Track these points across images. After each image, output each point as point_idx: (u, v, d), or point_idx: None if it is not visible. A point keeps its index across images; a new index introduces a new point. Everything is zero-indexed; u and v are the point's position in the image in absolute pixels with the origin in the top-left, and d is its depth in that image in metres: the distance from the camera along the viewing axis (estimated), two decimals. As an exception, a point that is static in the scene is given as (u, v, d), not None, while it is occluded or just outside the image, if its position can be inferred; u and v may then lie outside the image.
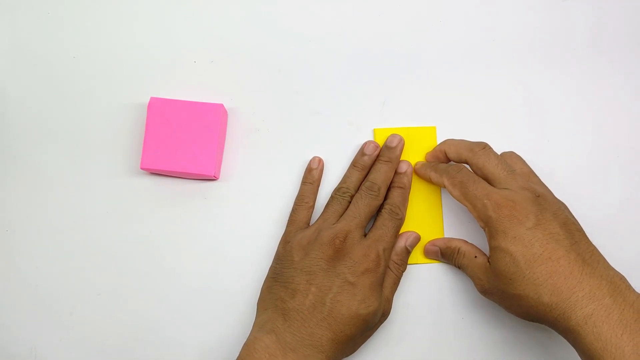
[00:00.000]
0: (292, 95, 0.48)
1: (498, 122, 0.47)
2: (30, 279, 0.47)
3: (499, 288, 0.39)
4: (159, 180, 0.47)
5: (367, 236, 0.42)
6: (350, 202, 0.44)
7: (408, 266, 0.45)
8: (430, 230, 0.46)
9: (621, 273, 0.37)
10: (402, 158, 0.46)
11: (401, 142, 0.46)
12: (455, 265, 0.44)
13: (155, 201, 0.47)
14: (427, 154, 0.46)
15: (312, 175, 0.46)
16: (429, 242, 0.45)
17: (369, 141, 0.46)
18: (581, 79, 0.48)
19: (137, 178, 0.47)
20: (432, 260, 0.46)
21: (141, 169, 0.45)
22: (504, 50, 0.48)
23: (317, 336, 0.38)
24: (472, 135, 0.46)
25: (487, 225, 0.39)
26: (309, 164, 0.46)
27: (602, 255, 0.38)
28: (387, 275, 0.43)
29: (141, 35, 0.49)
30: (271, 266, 0.44)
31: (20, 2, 0.50)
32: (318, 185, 0.46)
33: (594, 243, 0.38)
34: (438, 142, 0.47)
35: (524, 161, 0.45)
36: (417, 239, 0.45)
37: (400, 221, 0.44)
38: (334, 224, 0.42)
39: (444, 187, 0.43)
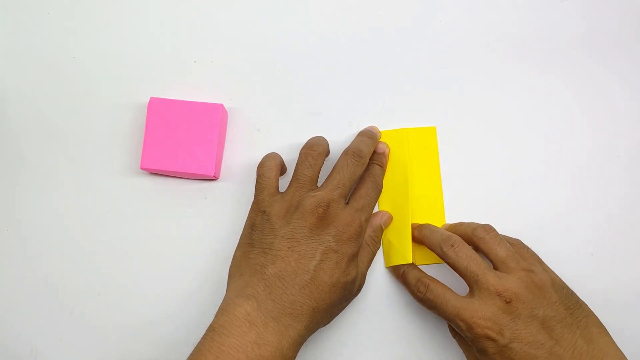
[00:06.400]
0: (292, 95, 0.48)
1: (498, 122, 0.47)
2: (30, 279, 0.47)
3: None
4: (159, 180, 0.47)
5: (349, 204, 0.42)
6: (320, 165, 0.43)
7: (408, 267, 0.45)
8: (432, 215, 0.46)
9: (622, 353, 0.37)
10: (402, 158, 0.46)
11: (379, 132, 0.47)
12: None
13: (155, 201, 0.47)
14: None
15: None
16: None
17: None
18: (580, 79, 0.48)
19: (137, 178, 0.47)
20: (432, 261, 0.46)
21: (141, 169, 0.45)
22: (504, 50, 0.48)
23: (299, 304, 0.37)
24: (473, 134, 0.47)
25: (471, 343, 0.39)
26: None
27: (596, 341, 0.37)
28: (363, 250, 0.43)
29: (141, 35, 0.49)
30: (244, 234, 0.42)
31: (20, 2, 0.50)
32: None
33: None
34: (438, 142, 0.47)
35: (525, 247, 0.43)
36: (390, 219, 0.45)
37: (380, 194, 0.45)
38: (315, 192, 0.41)
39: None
